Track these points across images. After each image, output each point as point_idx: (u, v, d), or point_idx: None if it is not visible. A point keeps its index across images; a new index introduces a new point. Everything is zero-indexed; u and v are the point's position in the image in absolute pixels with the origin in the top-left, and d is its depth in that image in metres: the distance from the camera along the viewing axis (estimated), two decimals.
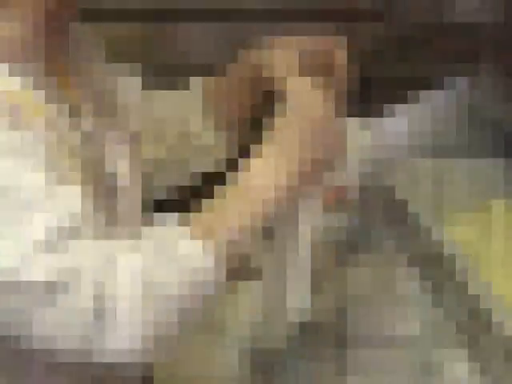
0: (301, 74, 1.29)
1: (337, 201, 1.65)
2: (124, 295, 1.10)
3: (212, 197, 1.19)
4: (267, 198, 1.18)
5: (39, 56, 1.23)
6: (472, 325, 1.52)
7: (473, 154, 1.83)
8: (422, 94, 1.82)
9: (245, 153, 1.27)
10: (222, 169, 1.53)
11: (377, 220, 1.83)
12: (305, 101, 1.23)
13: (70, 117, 1.28)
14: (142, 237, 1.16)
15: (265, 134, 1.21)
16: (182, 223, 1.16)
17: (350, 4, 1.90)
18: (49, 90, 1.28)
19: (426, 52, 1.90)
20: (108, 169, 1.34)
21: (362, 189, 1.71)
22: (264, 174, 1.19)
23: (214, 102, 1.48)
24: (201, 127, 1.49)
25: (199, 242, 1.13)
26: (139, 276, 1.11)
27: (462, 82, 1.80)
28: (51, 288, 1.08)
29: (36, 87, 1.21)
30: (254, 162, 1.20)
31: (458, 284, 1.54)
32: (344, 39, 1.35)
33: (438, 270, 1.63)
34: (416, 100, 1.81)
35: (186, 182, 1.57)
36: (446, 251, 1.58)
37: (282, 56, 1.30)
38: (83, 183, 1.22)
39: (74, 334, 1.10)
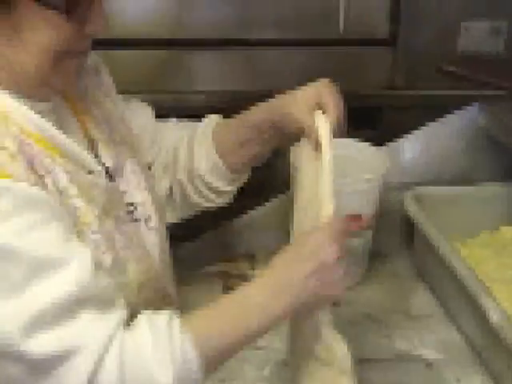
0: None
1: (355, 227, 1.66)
2: (113, 380, 1.08)
3: None
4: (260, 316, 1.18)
5: (56, 86, 1.22)
6: (487, 345, 1.50)
7: (484, 178, 1.83)
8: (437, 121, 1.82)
9: None
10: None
11: (391, 242, 1.85)
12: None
13: (88, 149, 1.28)
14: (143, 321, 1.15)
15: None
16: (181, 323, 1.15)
17: (367, 34, 1.92)
18: (66, 119, 1.29)
19: (440, 80, 1.88)
20: (128, 199, 1.34)
21: (378, 215, 1.70)
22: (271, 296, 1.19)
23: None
24: (206, 168, 1.48)
25: (194, 347, 1.12)
26: (135, 366, 1.09)
27: (472, 109, 1.80)
28: (51, 360, 1.05)
29: (52, 118, 1.21)
30: (254, 282, 1.21)
31: (470, 300, 1.51)
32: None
33: (451, 289, 1.62)
34: (431, 126, 1.81)
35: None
36: (459, 271, 1.54)
37: None
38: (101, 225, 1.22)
39: None
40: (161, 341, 1.11)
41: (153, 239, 1.35)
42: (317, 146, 1.30)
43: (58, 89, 1.23)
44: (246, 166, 1.49)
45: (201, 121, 1.52)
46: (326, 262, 1.21)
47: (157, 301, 1.31)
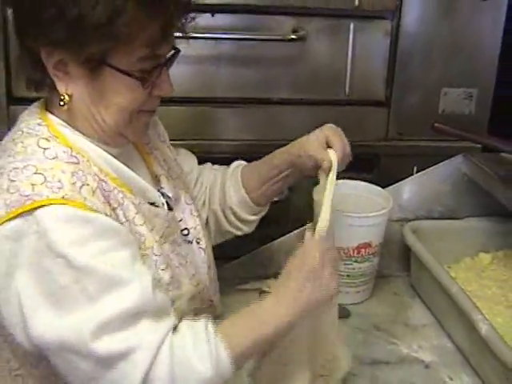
0: None
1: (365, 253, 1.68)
2: (164, 375, 1.10)
3: None
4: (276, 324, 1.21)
5: (128, 137, 1.26)
6: (475, 351, 1.51)
7: (466, 215, 1.87)
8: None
9: None
10: None
11: (393, 266, 1.88)
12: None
13: (152, 183, 1.32)
14: (185, 327, 1.17)
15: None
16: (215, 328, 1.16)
17: (367, 96, 1.97)
18: (134, 160, 1.33)
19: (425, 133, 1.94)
20: (183, 225, 1.38)
21: (383, 243, 1.72)
22: (275, 307, 1.23)
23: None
24: (235, 201, 1.51)
25: (225, 347, 1.14)
26: (181, 361, 1.12)
27: (458, 158, 1.84)
28: (114, 357, 1.08)
29: (123, 159, 1.25)
30: (269, 297, 1.24)
31: (461, 315, 1.53)
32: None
33: (443, 304, 1.64)
34: (423, 173, 1.84)
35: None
36: (451, 290, 1.56)
37: None
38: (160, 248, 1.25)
39: None
40: (200, 342, 1.13)
41: (202, 257, 1.40)
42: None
43: (130, 139, 1.27)
44: (267, 200, 1.53)
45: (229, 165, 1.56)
46: (312, 267, 1.24)
47: (203, 310, 1.33)
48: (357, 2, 1.87)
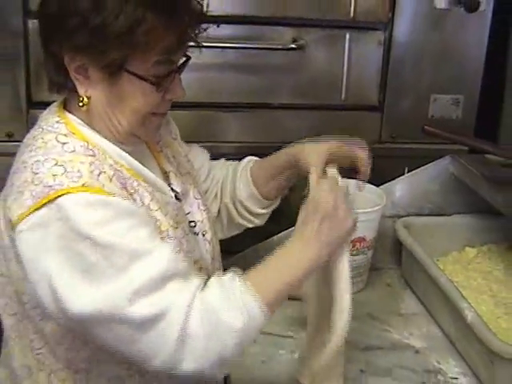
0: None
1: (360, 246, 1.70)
2: (198, 329, 1.12)
3: None
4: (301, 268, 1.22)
5: (141, 137, 1.29)
6: (461, 337, 1.54)
7: (454, 212, 1.90)
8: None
9: None
10: None
11: (385, 259, 1.90)
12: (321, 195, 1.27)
13: (162, 179, 1.34)
14: (213, 282, 1.18)
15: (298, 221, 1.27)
16: (241, 278, 1.17)
17: (362, 101, 1.99)
18: (145, 157, 1.35)
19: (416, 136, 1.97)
20: (191, 218, 1.39)
21: (377, 237, 1.75)
22: (298, 251, 1.23)
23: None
24: (245, 195, 1.51)
25: (254, 296, 1.15)
26: (212, 315, 1.14)
27: (446, 159, 1.87)
28: (150, 319, 1.11)
29: (136, 156, 1.26)
30: (291, 242, 1.25)
31: (449, 304, 1.56)
32: (364, 142, 1.44)
33: (432, 294, 1.67)
34: (414, 173, 1.87)
35: None
36: (440, 281, 1.59)
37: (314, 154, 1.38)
38: (174, 232, 1.27)
39: (163, 354, 1.13)
40: (228, 294, 1.15)
41: (207, 248, 1.41)
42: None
43: (142, 139, 1.30)
44: (276, 194, 1.53)
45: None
46: (326, 209, 1.24)
47: None
48: (352, 14, 1.90)
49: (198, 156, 1.57)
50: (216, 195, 1.56)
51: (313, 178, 1.31)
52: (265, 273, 1.21)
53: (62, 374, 1.26)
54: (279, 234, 1.82)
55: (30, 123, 1.75)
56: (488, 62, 1.99)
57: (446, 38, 1.97)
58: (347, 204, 1.27)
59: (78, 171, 1.14)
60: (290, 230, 1.76)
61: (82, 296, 1.10)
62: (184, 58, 1.28)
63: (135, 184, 1.23)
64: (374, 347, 1.58)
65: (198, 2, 1.26)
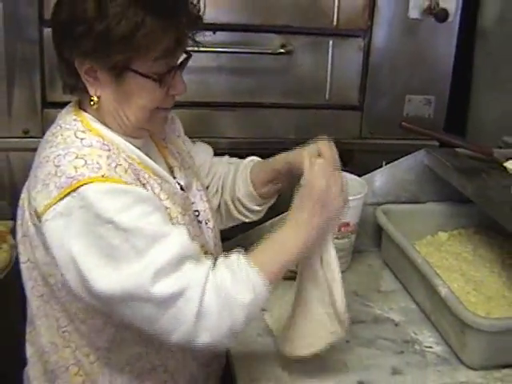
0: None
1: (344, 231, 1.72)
2: (213, 304, 1.15)
3: None
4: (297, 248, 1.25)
5: (149, 130, 1.31)
6: (435, 310, 1.56)
7: (428, 200, 1.91)
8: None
9: None
10: None
11: (366, 242, 1.91)
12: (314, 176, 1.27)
13: (168, 172, 1.34)
14: (221, 263, 1.21)
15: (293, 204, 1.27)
16: (246, 257, 1.20)
17: (344, 101, 2.02)
18: (152, 152, 1.36)
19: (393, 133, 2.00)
20: (195, 207, 1.41)
21: (359, 223, 1.76)
22: (294, 232, 1.25)
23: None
24: (243, 193, 1.50)
25: (258, 272, 1.18)
26: (223, 292, 1.16)
27: (420, 153, 1.88)
28: (171, 297, 1.13)
29: (143, 151, 1.28)
30: (288, 225, 1.26)
31: (424, 281, 1.57)
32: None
33: (409, 273, 1.69)
34: (392, 165, 1.88)
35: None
36: (416, 260, 1.61)
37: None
38: (183, 218, 1.29)
39: (182, 329, 1.15)
40: (236, 272, 1.17)
41: (210, 235, 1.42)
42: None
43: (150, 132, 1.32)
44: (271, 195, 1.52)
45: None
46: (319, 190, 1.25)
47: None
48: (335, 23, 1.93)
49: (201, 152, 1.57)
50: (217, 190, 1.55)
51: (306, 163, 1.30)
52: (266, 252, 1.24)
53: (85, 350, 1.28)
54: (270, 220, 1.81)
55: (45, 121, 1.82)
56: (456, 66, 2.02)
57: (419, 44, 2.01)
58: (339, 183, 1.28)
59: (97, 163, 1.16)
60: (279, 217, 1.79)
61: (107, 277, 1.12)
62: (185, 55, 1.29)
63: (146, 176, 1.25)
64: (357, 321, 1.59)
65: (195, 6, 1.26)
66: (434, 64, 2.03)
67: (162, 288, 1.12)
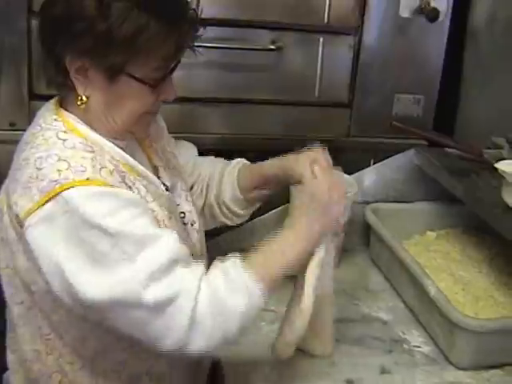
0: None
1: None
2: (206, 312, 1.11)
3: None
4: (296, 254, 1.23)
5: (134, 133, 1.28)
6: (424, 310, 1.56)
7: (416, 199, 1.92)
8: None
9: None
10: None
11: (354, 241, 1.91)
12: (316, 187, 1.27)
13: (153, 173, 1.30)
14: (215, 268, 1.17)
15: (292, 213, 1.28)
16: (242, 263, 1.16)
17: (333, 99, 1.99)
18: (136, 152, 1.33)
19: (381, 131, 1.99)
20: (180, 209, 1.37)
21: (349, 221, 1.74)
22: (294, 240, 1.24)
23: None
24: (229, 197, 1.47)
25: (254, 279, 1.15)
26: (218, 299, 1.12)
27: (410, 152, 1.89)
28: (163, 303, 1.09)
29: (128, 151, 1.25)
30: (287, 231, 1.25)
31: (413, 281, 1.58)
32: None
33: (397, 272, 1.69)
34: (382, 164, 1.89)
35: None
36: (405, 260, 1.61)
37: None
38: (169, 221, 1.25)
39: (174, 336, 1.11)
40: (231, 279, 1.14)
41: (196, 237, 1.39)
42: None
43: (135, 135, 1.28)
44: (258, 200, 1.50)
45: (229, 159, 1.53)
46: (321, 203, 1.25)
47: None
48: (326, 20, 1.90)
49: (185, 151, 1.54)
50: (201, 191, 1.51)
51: (306, 173, 1.30)
52: (263, 258, 1.21)
53: (69, 358, 1.24)
54: (259, 217, 1.82)
55: (32, 114, 1.76)
56: (446, 66, 2.01)
57: (409, 43, 1.99)
58: (340, 190, 1.28)
59: (82, 165, 1.12)
60: (270, 212, 1.82)
61: (95, 283, 1.08)
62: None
63: (131, 178, 1.21)
64: (346, 319, 1.59)
65: (194, 10, 1.24)
66: (423, 63, 2.01)
67: (154, 293, 1.08)
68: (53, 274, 1.10)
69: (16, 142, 1.75)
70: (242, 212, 1.50)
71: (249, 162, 1.52)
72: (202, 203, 1.51)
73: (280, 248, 1.22)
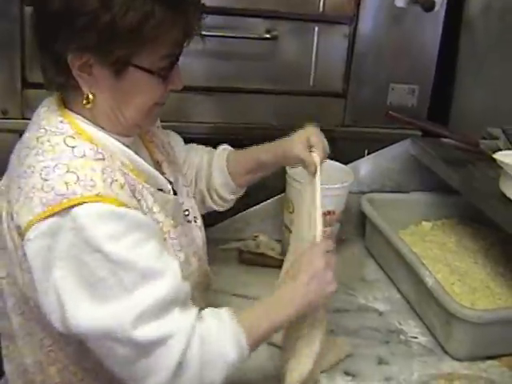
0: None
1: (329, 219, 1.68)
2: (196, 357, 1.06)
3: None
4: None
5: (144, 127, 1.24)
6: (421, 301, 1.55)
7: (412, 189, 1.90)
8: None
9: None
10: None
11: (350, 231, 1.90)
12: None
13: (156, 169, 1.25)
14: (208, 315, 1.13)
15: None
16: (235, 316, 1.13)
17: (328, 89, 1.97)
18: (140, 148, 1.29)
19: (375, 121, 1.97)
20: (184, 207, 1.33)
21: (344, 211, 1.74)
22: (289, 303, 1.21)
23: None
24: (219, 183, 1.45)
25: (245, 333, 1.12)
26: (209, 346, 1.08)
27: (406, 142, 1.87)
28: (153, 343, 1.04)
29: (133, 148, 1.19)
30: (282, 293, 1.23)
31: (410, 271, 1.56)
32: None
33: (394, 262, 1.68)
34: (378, 153, 1.87)
35: None
36: (401, 250, 1.59)
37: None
38: (175, 231, 1.20)
39: (159, 378, 1.06)
40: (224, 329, 1.10)
41: (199, 234, 1.35)
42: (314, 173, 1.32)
43: (145, 128, 1.23)
44: (249, 183, 1.48)
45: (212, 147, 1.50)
46: (317, 269, 1.22)
47: (201, 275, 1.31)
48: (321, 9, 1.88)
49: (176, 143, 1.50)
50: (191, 182, 1.48)
51: (303, 156, 1.28)
52: (255, 315, 1.19)
53: (72, 369, 1.19)
54: (253, 207, 1.83)
55: (24, 102, 1.75)
56: (441, 56, 1.99)
57: (405, 33, 1.97)
58: (333, 266, 1.26)
59: (91, 179, 1.04)
60: (264, 203, 1.80)
61: (86, 311, 1.02)
62: None
63: (140, 187, 1.14)
64: (342, 310, 1.58)
65: None
66: (418, 53, 1.99)
67: (145, 333, 1.03)
68: (48, 293, 1.04)
69: (8, 130, 1.74)
70: (230, 197, 1.48)
71: (232, 149, 1.49)
72: (192, 192, 1.47)
73: (273, 308, 1.20)
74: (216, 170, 1.45)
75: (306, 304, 1.21)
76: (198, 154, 1.50)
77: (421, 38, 1.98)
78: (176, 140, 1.51)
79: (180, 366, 1.05)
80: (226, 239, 1.79)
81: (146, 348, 1.04)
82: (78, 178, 1.04)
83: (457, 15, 2.01)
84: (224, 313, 1.13)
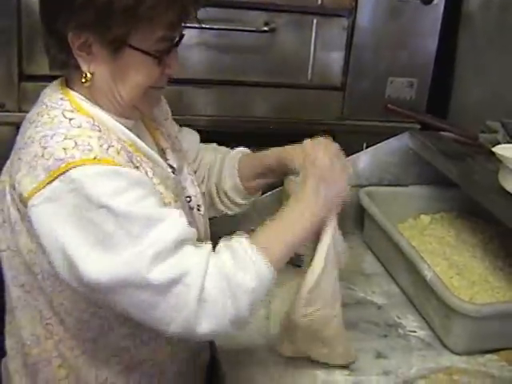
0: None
1: None
2: (215, 289, 1.07)
3: None
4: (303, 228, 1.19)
5: (142, 110, 1.23)
6: (419, 294, 1.53)
7: (410, 183, 1.88)
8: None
9: None
10: None
11: (348, 225, 1.85)
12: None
13: (159, 155, 1.26)
14: (223, 246, 1.13)
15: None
16: (248, 240, 1.13)
17: (326, 82, 1.97)
18: (142, 133, 1.29)
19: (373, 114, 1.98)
20: (186, 193, 1.34)
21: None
22: (300, 214, 1.19)
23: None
24: (229, 186, 1.45)
25: (261, 255, 1.11)
26: (226, 277, 1.08)
27: (404, 135, 1.85)
28: (169, 283, 1.04)
29: (134, 132, 1.20)
30: (292, 206, 1.21)
31: (408, 264, 1.54)
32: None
33: (392, 256, 1.65)
34: (376, 146, 1.84)
35: None
36: (400, 243, 1.57)
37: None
38: (175, 205, 1.20)
39: (182, 317, 1.06)
40: (239, 257, 1.09)
41: (201, 221, 1.35)
42: None
43: (143, 111, 1.23)
44: (257, 189, 1.47)
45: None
46: (324, 174, 1.21)
47: None
48: (319, 1, 1.88)
49: (187, 139, 1.50)
50: (203, 179, 1.48)
51: (307, 146, 1.27)
52: (269, 234, 1.17)
53: (70, 343, 1.19)
54: (261, 199, 1.71)
55: (21, 95, 1.74)
56: (440, 49, 1.98)
57: (403, 26, 1.96)
58: (341, 160, 1.25)
59: (89, 144, 1.07)
60: (264, 195, 1.74)
61: (99, 264, 1.03)
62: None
63: (138, 159, 1.16)
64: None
65: None
66: (417, 46, 1.98)
67: (160, 273, 1.04)
68: (57, 255, 1.06)
69: (5, 123, 1.73)
70: (241, 201, 1.47)
71: (249, 151, 1.48)
72: (203, 191, 1.47)
73: (286, 223, 1.19)
74: (227, 172, 1.45)
75: (319, 210, 1.21)
76: (214, 154, 1.50)
77: (420, 31, 1.97)
78: (188, 136, 1.51)
79: (200, 300, 1.06)
80: (223, 232, 1.74)
81: (165, 288, 1.04)
82: (75, 143, 1.07)
83: (456, 8, 2.01)
84: (236, 241, 1.13)
